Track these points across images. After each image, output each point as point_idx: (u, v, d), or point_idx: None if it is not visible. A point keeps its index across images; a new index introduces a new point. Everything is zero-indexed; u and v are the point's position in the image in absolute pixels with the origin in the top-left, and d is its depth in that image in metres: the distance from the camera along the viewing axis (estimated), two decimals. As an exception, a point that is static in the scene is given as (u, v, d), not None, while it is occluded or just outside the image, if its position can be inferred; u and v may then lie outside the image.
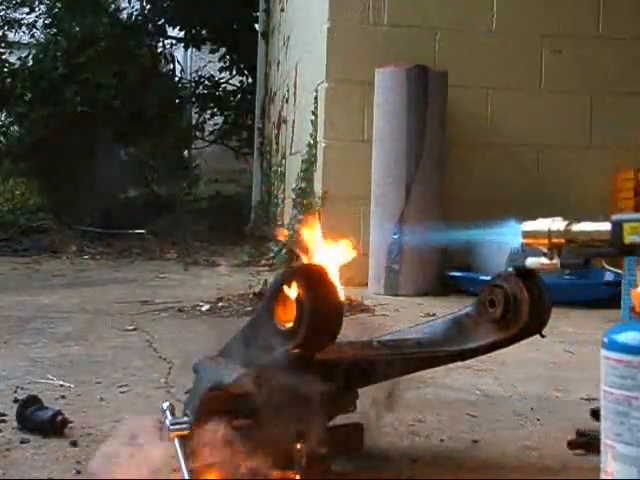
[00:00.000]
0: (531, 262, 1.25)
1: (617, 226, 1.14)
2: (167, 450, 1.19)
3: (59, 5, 9.14)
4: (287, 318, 1.18)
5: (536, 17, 4.59)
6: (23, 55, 8.93)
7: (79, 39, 8.52)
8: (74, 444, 1.43)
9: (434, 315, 2.73)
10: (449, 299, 3.72)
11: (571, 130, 4.64)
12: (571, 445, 1.46)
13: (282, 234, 4.53)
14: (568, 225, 1.21)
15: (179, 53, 10.78)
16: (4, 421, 1.55)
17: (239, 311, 3.15)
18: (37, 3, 9.39)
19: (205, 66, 10.16)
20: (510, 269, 1.41)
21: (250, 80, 9.41)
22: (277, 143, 6.76)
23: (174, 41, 10.14)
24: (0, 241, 6.21)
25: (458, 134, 4.33)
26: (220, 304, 3.29)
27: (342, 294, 1.22)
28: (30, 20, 9.41)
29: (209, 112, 10.01)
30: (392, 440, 1.52)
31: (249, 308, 3.14)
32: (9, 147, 8.88)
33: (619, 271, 3.14)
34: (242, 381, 1.18)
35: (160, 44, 9.88)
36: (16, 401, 1.64)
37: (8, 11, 9.44)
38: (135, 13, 9.45)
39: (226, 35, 9.30)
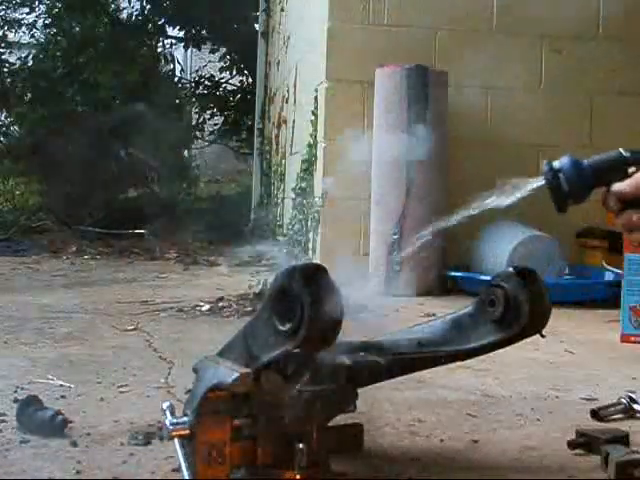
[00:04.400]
0: None
1: None
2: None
3: (59, 5, 9.14)
4: (287, 318, 1.18)
5: (536, 17, 4.59)
6: (23, 55, 8.93)
7: (79, 39, 8.53)
8: (74, 444, 1.43)
9: (434, 315, 2.73)
10: (449, 299, 3.72)
11: (571, 130, 4.64)
12: (571, 445, 1.46)
13: None
14: None
15: (179, 53, 10.78)
16: (4, 421, 1.55)
17: (239, 311, 3.15)
18: (37, 3, 9.39)
19: (205, 66, 10.17)
20: (510, 269, 1.41)
21: (250, 80, 9.42)
22: (277, 143, 6.76)
23: (174, 41, 10.14)
24: (0, 241, 6.20)
25: (458, 134, 4.33)
26: (220, 304, 3.29)
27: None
28: (30, 20, 9.41)
29: (209, 112, 10.02)
30: (392, 440, 1.52)
31: (249, 308, 3.14)
32: (9, 147, 8.88)
33: (619, 271, 3.14)
34: (242, 381, 1.18)
35: (160, 44, 9.89)
36: (16, 401, 1.64)
37: (8, 11, 9.44)
38: (135, 13, 9.46)
39: (226, 35, 9.31)
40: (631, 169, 1.14)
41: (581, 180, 1.15)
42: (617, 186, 1.14)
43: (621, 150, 1.17)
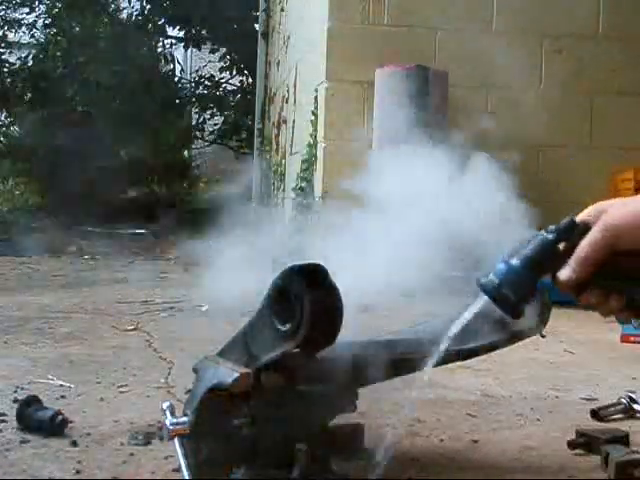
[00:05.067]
0: None
1: None
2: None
3: (59, 5, 9.14)
4: (287, 318, 1.18)
5: (536, 17, 4.59)
6: (23, 55, 8.94)
7: (79, 39, 8.53)
8: (74, 444, 1.43)
9: (434, 315, 2.72)
10: (449, 299, 3.71)
11: (571, 130, 4.64)
12: (571, 445, 1.46)
13: None
14: None
15: (179, 53, 10.79)
16: (4, 421, 1.55)
17: (239, 311, 3.14)
18: (37, 3, 9.40)
19: (205, 66, 10.18)
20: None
21: (250, 80, 9.42)
22: (277, 143, 6.76)
23: (174, 41, 10.15)
24: (0, 241, 6.21)
25: (458, 134, 4.32)
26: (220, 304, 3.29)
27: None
28: (30, 20, 9.42)
29: (209, 112, 10.02)
30: (392, 440, 1.52)
31: (249, 308, 3.13)
32: (9, 147, 8.89)
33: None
34: (242, 381, 1.18)
35: (160, 44, 9.89)
36: (16, 401, 1.64)
37: (8, 11, 9.45)
38: (135, 13, 9.46)
39: (226, 35, 9.31)
40: (560, 245, 1.12)
41: (523, 282, 1.14)
42: (562, 275, 1.11)
43: (543, 233, 1.15)
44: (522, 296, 1.13)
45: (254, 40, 8.00)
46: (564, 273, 1.11)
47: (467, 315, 1.20)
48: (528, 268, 1.13)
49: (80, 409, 1.67)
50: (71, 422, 1.53)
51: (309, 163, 4.84)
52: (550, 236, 1.13)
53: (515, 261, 1.13)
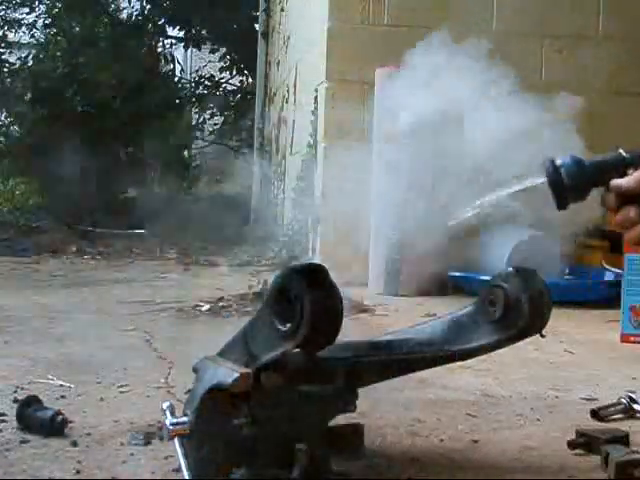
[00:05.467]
0: None
1: None
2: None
3: (59, 5, 9.14)
4: (287, 318, 1.18)
5: (536, 17, 4.59)
6: (23, 55, 8.93)
7: (79, 39, 8.53)
8: (74, 444, 1.43)
9: (434, 315, 2.72)
10: (449, 299, 3.71)
11: (571, 130, 4.63)
12: (571, 445, 1.46)
13: None
14: None
15: (179, 53, 10.79)
16: (4, 421, 1.55)
17: (239, 311, 3.15)
18: (37, 3, 9.40)
19: (205, 66, 10.18)
20: (510, 269, 1.41)
21: (250, 80, 9.43)
22: (277, 143, 6.76)
23: (174, 41, 10.15)
24: (0, 241, 6.20)
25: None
26: (220, 304, 3.29)
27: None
28: (30, 20, 9.42)
29: (209, 112, 10.02)
30: (392, 440, 1.52)
31: (249, 308, 3.13)
32: (9, 147, 8.89)
33: (619, 271, 3.14)
34: (242, 381, 1.18)
35: (160, 44, 9.89)
36: (16, 401, 1.64)
37: (8, 11, 9.45)
38: (135, 13, 9.47)
39: (226, 35, 9.31)
40: (630, 171, 1.16)
41: (582, 176, 1.18)
42: (617, 181, 1.16)
43: (621, 151, 1.19)
44: (574, 186, 1.17)
45: (254, 40, 8.00)
46: (619, 180, 1.16)
47: (523, 185, 1.24)
48: (592, 168, 1.18)
49: (80, 409, 1.67)
50: (71, 422, 1.53)
51: (309, 163, 4.84)
52: (626, 155, 1.18)
53: (584, 159, 1.19)
